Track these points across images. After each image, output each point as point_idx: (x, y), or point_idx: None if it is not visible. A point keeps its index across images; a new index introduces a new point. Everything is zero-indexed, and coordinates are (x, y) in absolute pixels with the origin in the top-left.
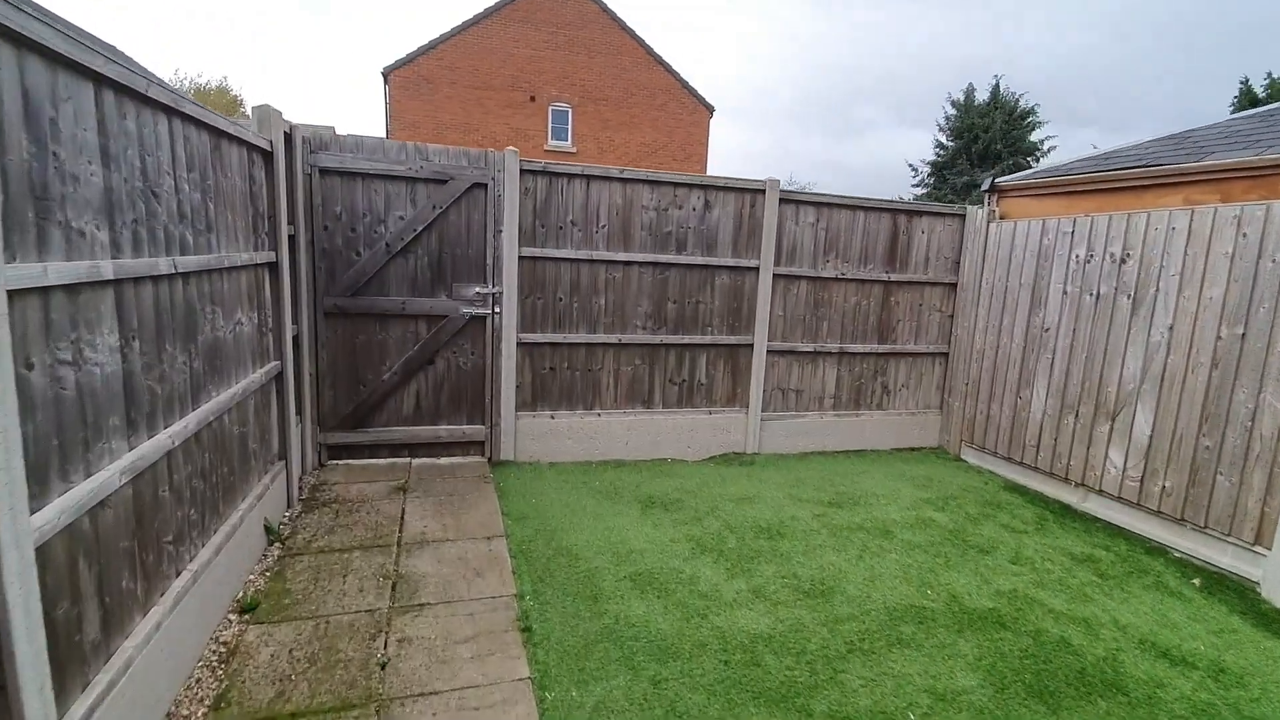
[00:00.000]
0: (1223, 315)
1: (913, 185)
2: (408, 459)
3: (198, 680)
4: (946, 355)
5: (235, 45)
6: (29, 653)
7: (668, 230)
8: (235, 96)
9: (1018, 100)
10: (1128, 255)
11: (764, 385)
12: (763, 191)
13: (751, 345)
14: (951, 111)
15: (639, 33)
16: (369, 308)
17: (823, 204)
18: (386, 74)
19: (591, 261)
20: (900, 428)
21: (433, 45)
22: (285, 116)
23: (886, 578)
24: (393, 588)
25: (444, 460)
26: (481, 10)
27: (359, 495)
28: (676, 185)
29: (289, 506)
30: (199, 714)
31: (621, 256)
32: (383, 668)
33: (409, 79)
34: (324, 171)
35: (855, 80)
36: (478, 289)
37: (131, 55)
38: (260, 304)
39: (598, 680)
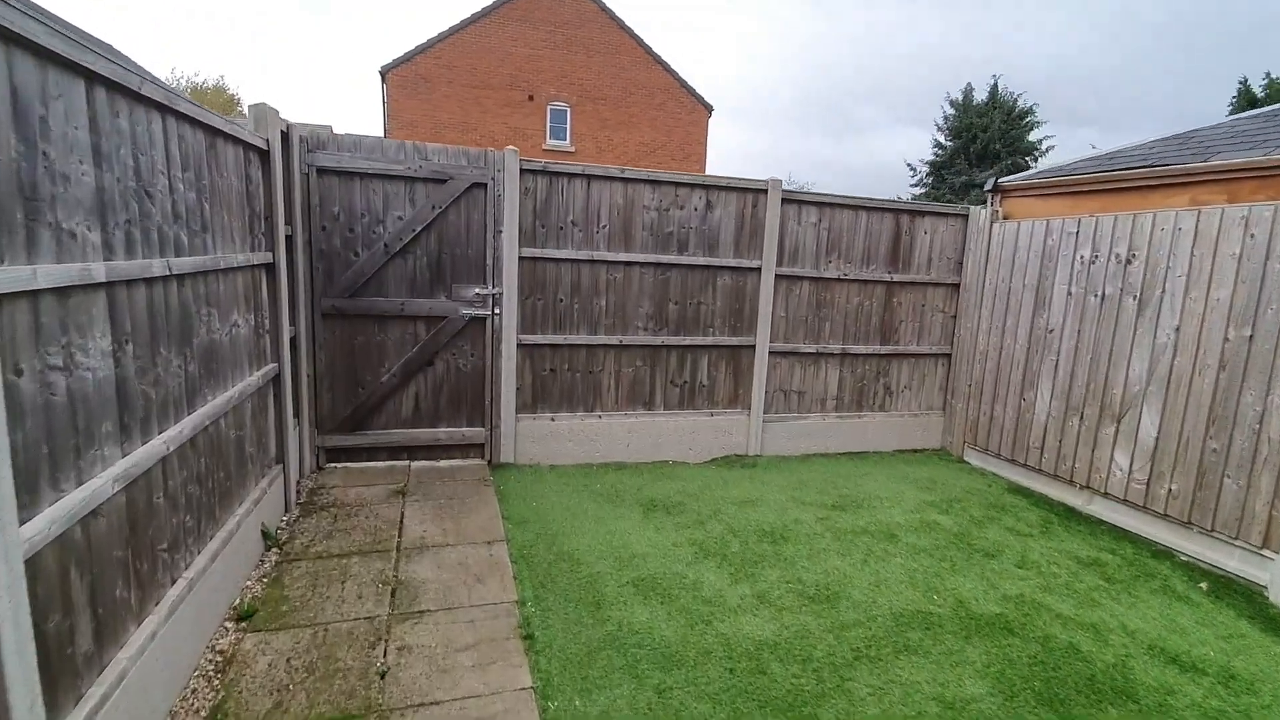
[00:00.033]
0: (1230, 317)
1: (911, 185)
2: (407, 462)
3: (194, 691)
4: (949, 356)
5: (235, 45)
6: (18, 668)
7: (669, 230)
8: (232, 95)
9: (1016, 100)
10: (1133, 256)
11: (766, 387)
12: (765, 191)
13: (753, 346)
14: (950, 111)
15: (638, 32)
16: (367, 309)
17: (825, 204)
18: (384, 73)
19: (592, 262)
20: (903, 429)
21: (430, 44)
22: (283, 115)
23: (892, 583)
24: (392, 594)
25: (443, 463)
26: (480, 9)
27: (357, 499)
28: (678, 185)
29: (287, 511)
30: None
31: (623, 257)
32: (382, 677)
33: (407, 78)
34: (322, 171)
35: (854, 80)
36: (477, 290)
37: (131, 55)
38: (257, 305)
39: (601, 689)
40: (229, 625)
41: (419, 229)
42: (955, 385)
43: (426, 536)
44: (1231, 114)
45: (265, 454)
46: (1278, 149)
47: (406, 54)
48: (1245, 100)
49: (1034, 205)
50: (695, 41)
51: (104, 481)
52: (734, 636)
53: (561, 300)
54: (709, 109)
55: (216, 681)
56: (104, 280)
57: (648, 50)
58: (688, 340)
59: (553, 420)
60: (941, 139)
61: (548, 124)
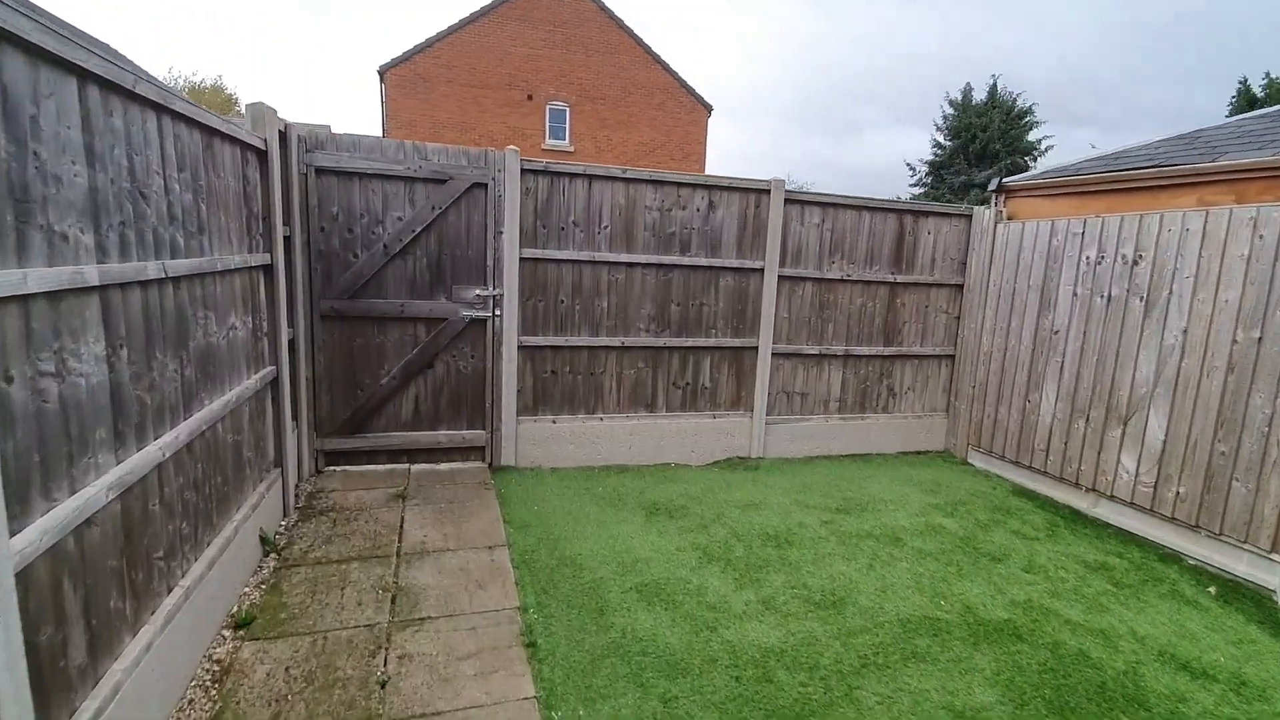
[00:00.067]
0: (1238, 318)
1: (910, 185)
2: (406, 465)
3: (190, 701)
4: (953, 358)
5: (235, 45)
6: (9, 685)
7: (671, 231)
8: (230, 95)
9: (1015, 100)
10: (1140, 257)
11: (769, 388)
12: (767, 192)
13: (756, 348)
14: (949, 111)
15: (638, 32)
16: (367, 310)
17: (828, 204)
18: (383, 72)
19: (594, 263)
20: (906, 431)
21: (429, 44)
22: (281, 115)
23: (899, 588)
24: (392, 600)
25: (444, 466)
26: (478, 9)
27: (357, 503)
28: (680, 185)
29: (285, 515)
30: None
31: (624, 258)
32: (383, 686)
33: (405, 77)
34: (320, 171)
35: (854, 80)
36: (478, 291)
37: (130, 55)
38: (255, 308)
39: (605, 699)
40: (226, 633)
41: (419, 230)
42: (959, 387)
43: (427, 541)
44: (1231, 114)
45: (263, 458)
46: None
47: (405, 53)
48: (1245, 100)
49: (1038, 205)
50: (695, 41)
51: (98, 490)
52: (740, 644)
53: (563, 301)
54: (708, 109)
55: (214, 692)
56: (97, 284)
57: (647, 50)
58: (690, 342)
59: (554, 422)
60: (941, 139)
61: (547, 124)
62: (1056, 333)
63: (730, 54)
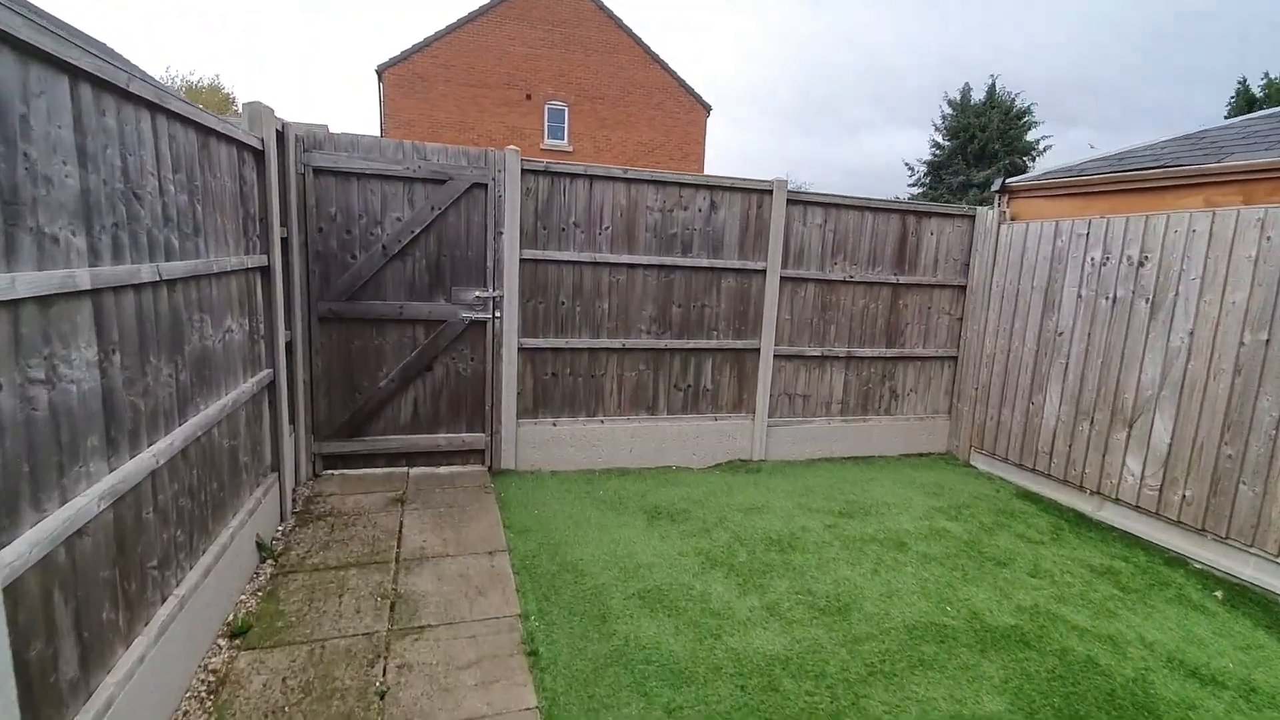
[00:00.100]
0: (1246, 320)
1: (909, 185)
2: (405, 468)
3: (185, 713)
4: (955, 359)
5: (229, 44)
6: None
7: (673, 232)
8: (227, 95)
9: (1013, 100)
10: (1146, 258)
11: (771, 390)
12: (770, 192)
13: (758, 350)
14: (948, 111)
15: (636, 31)
16: (365, 312)
17: (830, 205)
18: (380, 72)
19: (595, 264)
20: (908, 433)
21: (427, 43)
22: (278, 114)
23: (904, 593)
24: (391, 608)
25: (443, 469)
26: (477, 8)
27: (355, 507)
28: (682, 185)
29: (282, 520)
30: None
31: (625, 259)
32: (381, 697)
33: (403, 77)
34: (318, 171)
35: (852, 80)
36: (478, 293)
37: (128, 54)
38: (251, 310)
39: (609, 709)
40: (222, 643)
41: (418, 230)
42: (961, 388)
43: (426, 547)
44: (1230, 114)
45: (260, 462)
46: None
47: (403, 53)
48: (1244, 100)
49: (1042, 206)
50: (694, 41)
51: (89, 499)
52: (744, 651)
53: (563, 303)
54: (707, 108)
55: (209, 703)
56: (89, 287)
57: (646, 49)
58: (691, 344)
59: (554, 425)
60: (939, 139)
61: (545, 123)
62: (1061, 334)
63: (729, 53)
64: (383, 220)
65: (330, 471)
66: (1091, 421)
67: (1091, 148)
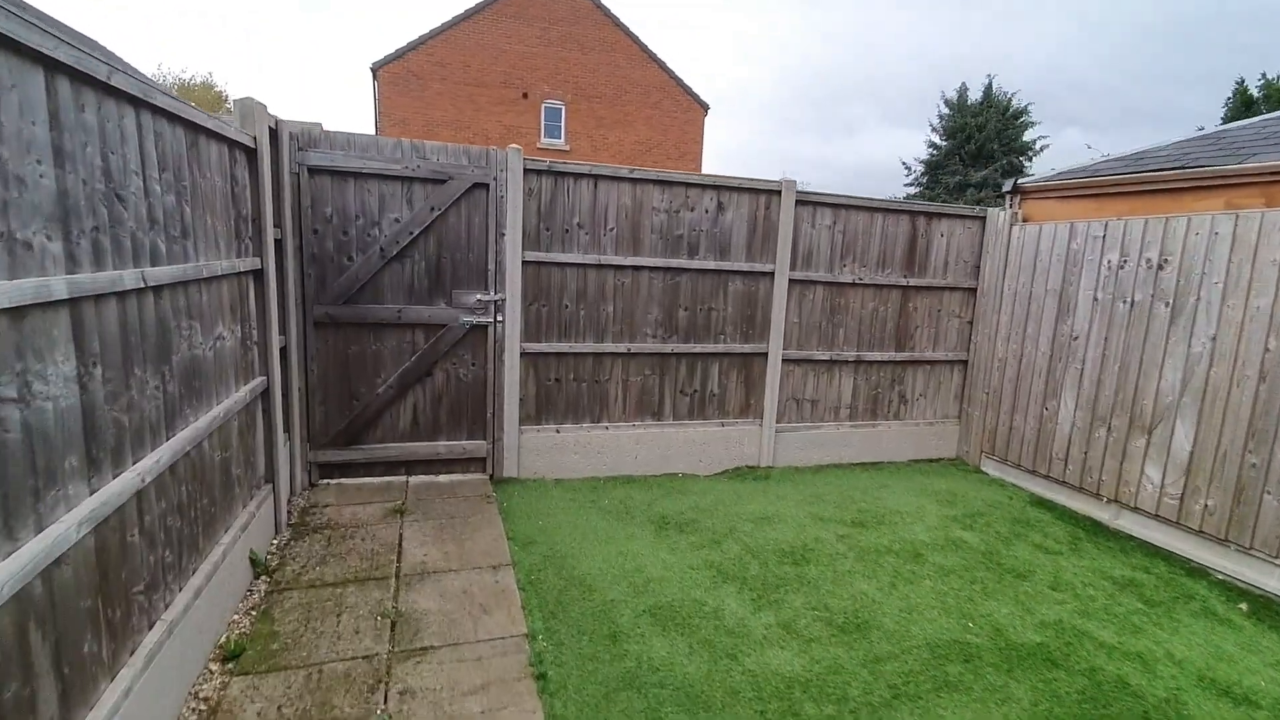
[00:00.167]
0: (1271, 326)
1: (906, 184)
2: (404, 477)
3: None
4: (965, 363)
5: (228, 43)
6: None
7: (679, 233)
8: (220, 92)
9: (1010, 100)
10: (1165, 261)
11: (778, 395)
12: (778, 193)
13: (766, 354)
14: (945, 111)
15: (633, 30)
16: (362, 317)
17: (840, 206)
18: (375, 70)
19: (599, 266)
20: (918, 438)
21: (423, 41)
22: (274, 112)
23: (924, 608)
24: (392, 628)
25: (443, 478)
26: (473, 5)
27: (353, 519)
28: (689, 186)
29: (276, 533)
30: None
31: (630, 261)
32: None
33: (399, 75)
34: (313, 171)
35: (850, 79)
36: (479, 296)
37: (125, 54)
38: (244, 315)
39: None
40: (214, 667)
41: (417, 232)
42: (972, 393)
43: (427, 561)
44: (1228, 115)
45: (253, 474)
46: None
47: (398, 50)
48: (1242, 101)
49: (1055, 208)
50: (691, 39)
51: (68, 526)
52: (762, 673)
53: (567, 306)
54: (705, 107)
55: None
56: (66, 296)
57: (643, 48)
58: (698, 348)
59: (558, 432)
60: (936, 139)
61: (542, 122)
62: (1076, 339)
63: (726, 53)
64: (380, 221)
65: (327, 481)
66: (1108, 428)
67: (1089, 148)
